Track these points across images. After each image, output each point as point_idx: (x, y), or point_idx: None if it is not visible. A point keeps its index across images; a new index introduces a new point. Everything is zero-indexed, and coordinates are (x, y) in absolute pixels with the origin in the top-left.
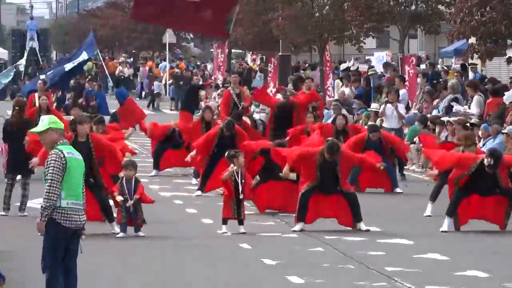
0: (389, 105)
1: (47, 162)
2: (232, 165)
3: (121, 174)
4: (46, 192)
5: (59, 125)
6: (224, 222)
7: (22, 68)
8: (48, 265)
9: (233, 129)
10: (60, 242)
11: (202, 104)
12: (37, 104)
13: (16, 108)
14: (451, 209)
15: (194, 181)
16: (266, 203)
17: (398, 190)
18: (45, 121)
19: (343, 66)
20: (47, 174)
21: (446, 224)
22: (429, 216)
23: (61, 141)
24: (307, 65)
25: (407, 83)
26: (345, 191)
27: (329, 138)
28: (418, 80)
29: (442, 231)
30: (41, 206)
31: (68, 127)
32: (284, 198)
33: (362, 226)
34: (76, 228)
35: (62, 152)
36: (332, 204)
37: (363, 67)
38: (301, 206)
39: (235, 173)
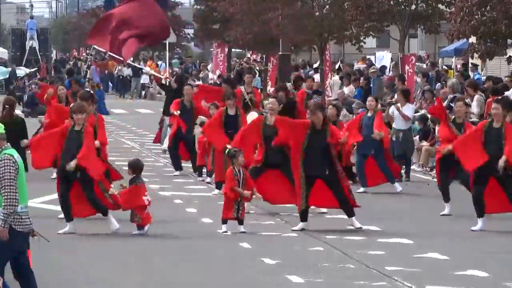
0: (394, 106)
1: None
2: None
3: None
4: (7, 198)
5: (1, 129)
6: (224, 221)
7: (22, 73)
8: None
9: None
10: (14, 247)
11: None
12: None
13: (6, 106)
14: (478, 210)
15: (208, 179)
16: (271, 196)
17: (397, 187)
18: None
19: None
20: (2, 180)
21: (480, 224)
22: (448, 215)
23: (4, 145)
24: (311, 67)
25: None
26: (336, 190)
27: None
28: (418, 79)
29: (472, 230)
30: (4, 214)
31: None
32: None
33: (355, 222)
34: (28, 231)
35: (13, 157)
36: (321, 193)
37: (361, 66)
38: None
39: (236, 170)
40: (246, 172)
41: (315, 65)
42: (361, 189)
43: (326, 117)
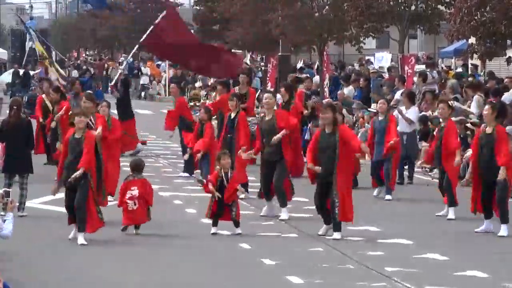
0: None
1: None
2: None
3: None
4: None
5: None
6: (214, 223)
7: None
8: None
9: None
10: None
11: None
12: (48, 106)
13: (14, 107)
14: (507, 215)
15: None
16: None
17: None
18: None
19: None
20: None
21: (485, 226)
22: (452, 219)
23: None
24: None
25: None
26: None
27: None
28: (415, 79)
29: (476, 231)
30: None
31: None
32: None
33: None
34: None
35: None
36: None
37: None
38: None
39: (223, 173)
40: (234, 173)
41: (299, 65)
42: (388, 197)
43: (336, 118)
